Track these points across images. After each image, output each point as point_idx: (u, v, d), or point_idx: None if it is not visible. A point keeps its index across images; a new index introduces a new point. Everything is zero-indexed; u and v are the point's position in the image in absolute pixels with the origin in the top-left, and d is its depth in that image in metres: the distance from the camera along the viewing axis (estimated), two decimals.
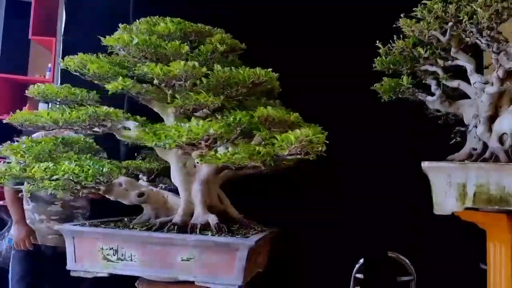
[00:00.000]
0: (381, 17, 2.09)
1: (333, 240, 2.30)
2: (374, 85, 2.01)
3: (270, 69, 1.71)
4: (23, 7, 3.60)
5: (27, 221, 2.72)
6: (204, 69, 1.60)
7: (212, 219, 1.72)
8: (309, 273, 2.35)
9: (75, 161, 1.56)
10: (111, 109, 1.67)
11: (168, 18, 1.83)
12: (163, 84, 1.62)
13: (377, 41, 1.94)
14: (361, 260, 2.26)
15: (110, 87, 1.60)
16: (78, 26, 2.82)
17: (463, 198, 1.58)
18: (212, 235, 1.63)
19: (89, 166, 1.53)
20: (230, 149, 1.53)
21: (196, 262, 1.58)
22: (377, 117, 2.29)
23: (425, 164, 1.69)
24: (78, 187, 1.55)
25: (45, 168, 1.49)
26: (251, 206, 1.99)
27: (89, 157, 1.68)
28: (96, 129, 1.59)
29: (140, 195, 1.76)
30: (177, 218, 1.73)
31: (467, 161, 1.71)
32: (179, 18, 1.84)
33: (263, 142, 1.58)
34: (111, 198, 1.69)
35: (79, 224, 1.77)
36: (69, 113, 1.57)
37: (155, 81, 1.62)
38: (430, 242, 2.38)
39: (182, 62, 1.55)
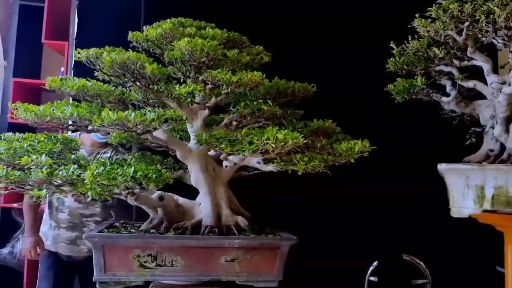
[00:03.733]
0: (394, 18, 2.07)
1: (347, 242, 2.28)
2: (388, 86, 1.99)
3: (313, 85, 1.81)
4: (36, 12, 3.64)
5: (46, 227, 2.74)
6: (266, 81, 1.65)
7: (242, 220, 1.76)
8: (322, 275, 2.33)
9: (129, 165, 1.49)
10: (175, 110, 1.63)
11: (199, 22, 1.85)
12: (226, 90, 1.62)
13: (391, 42, 1.91)
14: (375, 263, 2.24)
15: (183, 91, 1.57)
16: (90, 30, 2.84)
17: (481, 201, 1.56)
18: (247, 235, 1.71)
19: (151, 171, 1.48)
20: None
21: (240, 262, 1.65)
22: (392, 119, 2.27)
23: (442, 166, 1.67)
24: (125, 192, 1.51)
25: (92, 174, 1.41)
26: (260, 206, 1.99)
27: (121, 161, 1.62)
28: (139, 131, 1.53)
29: (161, 198, 1.75)
30: (208, 220, 1.73)
31: (484, 162, 1.68)
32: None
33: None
34: (135, 203, 1.65)
35: (107, 231, 1.73)
36: (148, 116, 1.47)
37: (209, 86, 1.63)
38: (445, 244, 2.35)
39: (256, 73, 1.59)
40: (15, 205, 3.57)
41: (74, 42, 2.99)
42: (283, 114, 1.73)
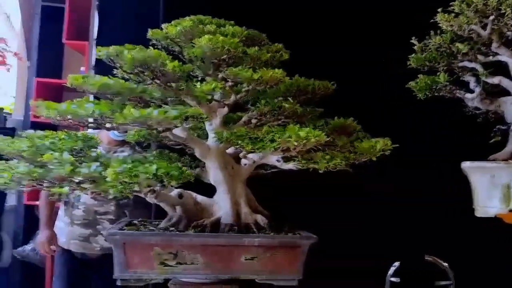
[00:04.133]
0: (416, 14, 2.04)
1: (367, 241, 2.25)
2: (409, 83, 1.95)
3: (333, 83, 1.79)
4: (57, 12, 3.69)
5: (61, 223, 2.77)
6: (287, 78, 1.64)
7: (261, 218, 1.75)
8: (341, 274, 2.31)
9: (150, 163, 1.49)
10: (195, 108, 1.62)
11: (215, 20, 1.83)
12: (247, 88, 1.62)
13: (413, 38, 1.88)
14: (397, 263, 2.21)
15: (205, 88, 1.58)
16: (110, 30, 2.87)
17: (508, 200, 1.52)
18: (267, 233, 1.69)
19: (173, 168, 1.48)
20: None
21: (260, 260, 1.64)
22: (412, 116, 2.23)
23: (466, 164, 1.64)
24: (146, 190, 1.52)
25: (115, 171, 1.41)
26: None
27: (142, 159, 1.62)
28: (160, 129, 1.53)
29: (180, 196, 1.74)
30: (228, 218, 1.73)
31: (511, 160, 1.64)
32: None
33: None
34: (155, 201, 1.65)
35: (127, 229, 1.73)
36: (170, 113, 1.46)
37: (229, 82, 1.63)
38: (469, 245, 2.30)
39: (277, 70, 1.59)
40: (37, 202, 3.63)
41: (94, 41, 3.02)
42: (303, 112, 1.71)
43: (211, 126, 1.78)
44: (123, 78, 1.73)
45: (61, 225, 2.77)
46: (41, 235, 2.77)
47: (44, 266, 3.44)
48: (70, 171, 1.44)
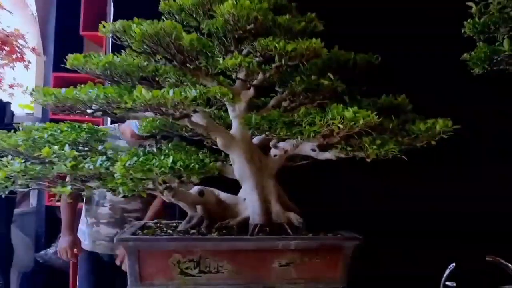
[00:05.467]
0: None
1: (420, 241, 2.00)
2: (464, 54, 1.67)
3: (377, 56, 1.57)
4: (74, 3, 3.54)
5: (84, 225, 2.61)
6: (325, 50, 1.42)
7: (295, 217, 1.54)
8: (392, 280, 2.06)
9: (166, 155, 1.32)
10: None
11: None
12: (278, 64, 1.40)
13: None
14: (453, 265, 1.94)
15: (230, 63, 1.37)
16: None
17: None
18: (303, 234, 1.51)
19: (192, 160, 1.31)
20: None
21: (297, 266, 1.45)
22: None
23: None
24: (161, 187, 1.35)
25: (124, 166, 1.24)
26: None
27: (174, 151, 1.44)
28: (177, 114, 1.33)
29: (201, 193, 1.54)
30: (257, 218, 1.52)
31: None
32: None
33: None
34: (173, 200, 1.45)
35: (141, 233, 1.53)
36: (189, 93, 1.26)
37: (256, 58, 1.41)
38: None
39: (315, 40, 1.37)
40: (59, 204, 3.51)
41: None
42: (345, 90, 1.46)
43: (235, 113, 1.57)
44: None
45: (84, 227, 2.60)
46: (62, 240, 2.61)
47: (67, 270, 3.31)
48: (72, 167, 1.25)
